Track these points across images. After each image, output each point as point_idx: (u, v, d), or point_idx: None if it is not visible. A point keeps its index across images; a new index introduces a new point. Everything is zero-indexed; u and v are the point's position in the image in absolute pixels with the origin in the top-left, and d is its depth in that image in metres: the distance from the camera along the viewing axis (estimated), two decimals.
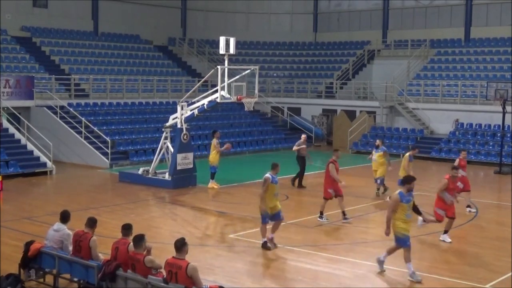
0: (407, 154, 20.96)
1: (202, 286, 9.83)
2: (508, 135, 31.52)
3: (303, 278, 12.98)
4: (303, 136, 25.11)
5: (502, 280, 12.96)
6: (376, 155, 22.53)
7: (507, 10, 39.18)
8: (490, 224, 18.36)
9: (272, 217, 15.03)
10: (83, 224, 11.73)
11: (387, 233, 12.90)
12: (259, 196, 15.01)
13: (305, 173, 24.80)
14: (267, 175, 14.88)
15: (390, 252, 13.33)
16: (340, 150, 20.33)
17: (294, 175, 24.31)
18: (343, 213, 18.12)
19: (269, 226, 15.21)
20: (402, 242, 12.89)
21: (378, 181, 22.35)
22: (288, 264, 13.91)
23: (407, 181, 13.05)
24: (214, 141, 23.61)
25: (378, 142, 23.13)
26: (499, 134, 31.29)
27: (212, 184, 23.47)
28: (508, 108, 29.92)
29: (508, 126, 31.69)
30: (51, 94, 31.04)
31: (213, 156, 23.49)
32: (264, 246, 14.95)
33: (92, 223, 11.67)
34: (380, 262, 13.38)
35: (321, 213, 18.22)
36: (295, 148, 24.45)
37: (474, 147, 32.56)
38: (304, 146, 24.29)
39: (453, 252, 15.11)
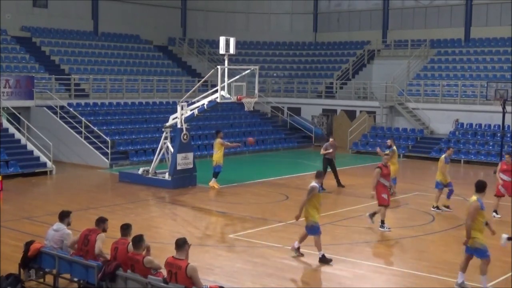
0: (443, 156, 20.06)
1: (202, 286, 9.83)
2: (508, 135, 31.51)
3: (302, 278, 12.98)
4: (331, 139, 24.66)
5: (502, 280, 12.96)
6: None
7: (507, 10, 39.17)
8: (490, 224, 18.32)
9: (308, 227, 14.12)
10: (83, 224, 11.74)
11: (467, 243, 12.05)
12: (299, 205, 14.02)
13: (306, 173, 24.80)
14: (314, 184, 13.89)
15: (464, 268, 12.41)
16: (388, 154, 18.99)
17: (335, 179, 24.15)
18: (372, 214, 17.40)
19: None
20: (481, 253, 12.06)
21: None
22: (288, 264, 13.89)
23: (484, 187, 12.25)
24: (218, 141, 23.54)
25: (389, 141, 23.09)
26: (499, 134, 31.30)
27: (213, 183, 23.45)
28: (508, 108, 29.93)
29: (508, 126, 31.68)
30: (51, 94, 31.05)
31: (218, 156, 23.40)
32: (323, 260, 13.81)
33: (100, 222, 11.74)
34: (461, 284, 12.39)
35: (382, 222, 17.11)
36: (322, 151, 24.05)
37: (474, 147, 32.56)
38: (331, 150, 23.91)
39: (453, 252, 15.09)
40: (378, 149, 24.09)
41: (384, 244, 15.84)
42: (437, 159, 32.10)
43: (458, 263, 14.21)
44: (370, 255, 14.64)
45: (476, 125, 34.07)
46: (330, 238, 16.33)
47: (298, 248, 14.32)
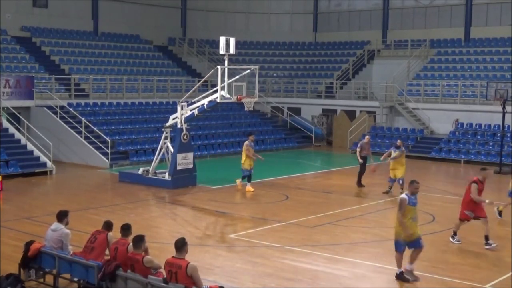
0: None
1: (202, 285, 9.83)
2: (508, 135, 31.50)
3: (302, 278, 12.98)
4: (367, 137, 24.52)
5: (502, 280, 12.95)
6: (396, 154, 22.42)
7: (507, 10, 39.17)
8: (490, 224, 18.30)
9: (410, 245, 12.88)
10: (83, 224, 11.73)
11: None
12: (397, 221, 12.76)
13: (306, 173, 24.76)
14: (403, 195, 12.77)
15: None
16: (488, 169, 16.62)
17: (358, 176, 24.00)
18: (486, 237, 15.54)
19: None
20: None
21: (401, 181, 22.13)
22: (288, 264, 13.89)
23: None
24: (245, 144, 23.03)
25: (399, 142, 22.96)
26: (499, 134, 31.28)
27: (248, 187, 22.75)
28: (508, 108, 29.90)
29: (508, 126, 31.67)
30: (51, 94, 31.04)
31: (243, 160, 22.84)
32: (400, 277, 12.79)
33: (107, 226, 11.80)
34: None
35: (454, 233, 16.00)
36: (358, 151, 23.77)
37: (474, 147, 32.55)
38: (364, 148, 23.70)
39: (453, 252, 15.10)
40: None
41: (383, 244, 15.82)
42: (437, 159, 32.37)
43: (458, 263, 14.26)
44: (369, 255, 14.64)
45: (476, 125, 34.05)
46: (329, 238, 16.35)
47: (412, 271, 12.91)
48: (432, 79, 38.60)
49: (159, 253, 13.15)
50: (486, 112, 33.82)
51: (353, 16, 46.49)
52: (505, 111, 29.37)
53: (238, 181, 23.14)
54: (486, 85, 32.79)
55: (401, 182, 22.20)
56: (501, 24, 39.64)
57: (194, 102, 23.76)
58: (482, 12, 40.96)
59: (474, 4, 40.86)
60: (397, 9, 44.37)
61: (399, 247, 12.81)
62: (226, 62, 22.56)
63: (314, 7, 47.89)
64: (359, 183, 23.91)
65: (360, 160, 23.74)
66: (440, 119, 35.63)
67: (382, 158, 23.40)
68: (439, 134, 35.53)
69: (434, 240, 16.22)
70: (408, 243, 12.81)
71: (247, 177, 22.89)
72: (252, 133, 24.12)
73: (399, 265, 12.89)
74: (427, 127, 35.94)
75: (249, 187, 22.80)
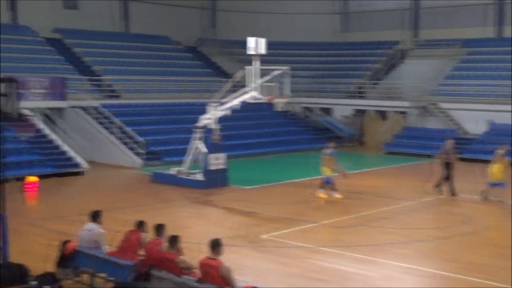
0: None
1: (235, 286, 9.85)
2: None
3: (332, 278, 13.00)
4: (450, 141, 22.99)
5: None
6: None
7: None
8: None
9: None
10: (116, 224, 11.85)
11: None
12: None
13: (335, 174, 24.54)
14: None
15: None
16: None
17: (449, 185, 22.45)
18: None
19: None
20: None
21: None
22: (319, 265, 13.92)
23: None
24: (323, 151, 22.10)
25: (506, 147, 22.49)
26: None
27: (336, 195, 21.51)
28: None
29: None
30: (84, 95, 31.39)
31: (323, 166, 21.82)
32: None
33: (140, 226, 11.93)
34: None
35: None
36: (442, 156, 22.48)
37: (508, 147, 32.10)
38: (450, 153, 22.34)
39: (482, 254, 14.96)
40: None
41: (412, 245, 15.76)
42: (470, 160, 31.95)
43: (490, 265, 14.14)
44: (397, 256, 14.60)
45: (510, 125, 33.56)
46: (358, 239, 16.34)
47: None
48: (465, 79, 38.19)
49: (191, 253, 13.25)
50: None
51: (384, 16, 46.18)
52: None
53: (336, 195, 21.70)
54: None
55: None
56: None
57: (224, 103, 23.88)
58: None
59: (506, 3, 40.37)
60: (429, 8, 44.00)
61: None
62: (257, 63, 22.62)
63: (343, 7, 47.70)
64: (453, 192, 22.20)
65: (444, 157, 22.34)
66: (473, 119, 35.19)
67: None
68: (472, 134, 35.14)
69: (464, 242, 16.09)
70: None
71: (328, 185, 21.78)
72: (331, 139, 22.59)
73: None
74: (460, 127, 35.58)
75: (337, 195, 21.54)
